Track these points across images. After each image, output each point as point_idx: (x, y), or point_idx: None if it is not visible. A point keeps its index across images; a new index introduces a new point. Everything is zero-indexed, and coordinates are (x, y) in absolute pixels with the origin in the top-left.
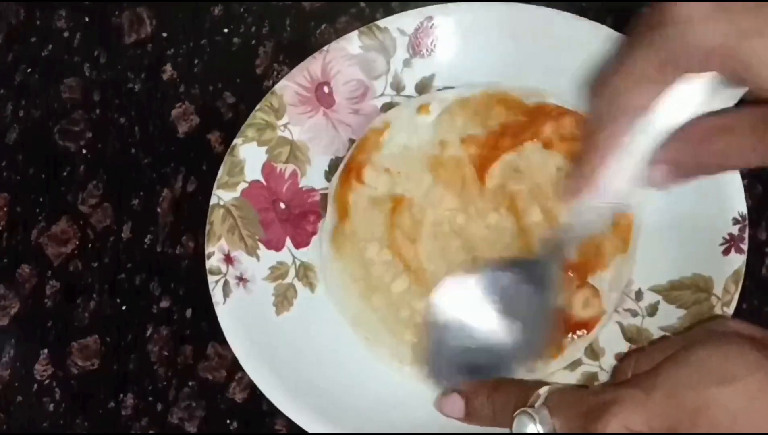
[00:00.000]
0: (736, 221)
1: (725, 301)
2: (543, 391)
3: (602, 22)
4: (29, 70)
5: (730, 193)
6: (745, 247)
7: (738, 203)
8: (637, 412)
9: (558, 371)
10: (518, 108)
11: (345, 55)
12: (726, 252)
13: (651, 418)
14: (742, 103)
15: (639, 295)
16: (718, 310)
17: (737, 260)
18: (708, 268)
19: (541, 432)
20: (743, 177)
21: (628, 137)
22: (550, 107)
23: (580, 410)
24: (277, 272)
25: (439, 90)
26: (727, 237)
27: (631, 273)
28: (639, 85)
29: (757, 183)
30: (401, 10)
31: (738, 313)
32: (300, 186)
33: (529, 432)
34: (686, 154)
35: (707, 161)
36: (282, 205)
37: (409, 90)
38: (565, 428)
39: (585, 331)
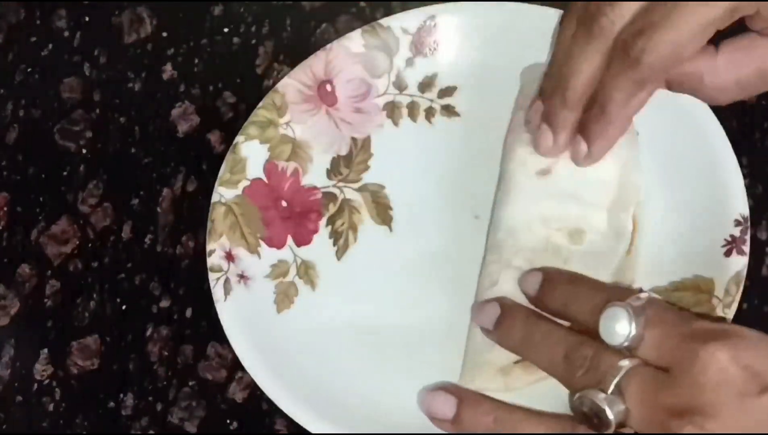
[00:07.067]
0: (737, 223)
1: (726, 302)
2: (644, 295)
3: None
4: (29, 70)
5: (732, 195)
6: (746, 248)
7: (740, 205)
8: (751, 349)
9: None
10: None
11: (348, 54)
12: (727, 253)
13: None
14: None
15: None
16: (719, 312)
17: (739, 262)
18: (709, 270)
19: (633, 333)
20: (743, 177)
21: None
22: None
23: (684, 330)
24: (278, 270)
25: (441, 89)
26: (729, 238)
27: (633, 274)
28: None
29: (757, 183)
30: (401, 10)
31: (738, 312)
32: (302, 184)
33: (618, 328)
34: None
35: (678, 79)
36: (284, 203)
37: (412, 89)
38: (660, 339)
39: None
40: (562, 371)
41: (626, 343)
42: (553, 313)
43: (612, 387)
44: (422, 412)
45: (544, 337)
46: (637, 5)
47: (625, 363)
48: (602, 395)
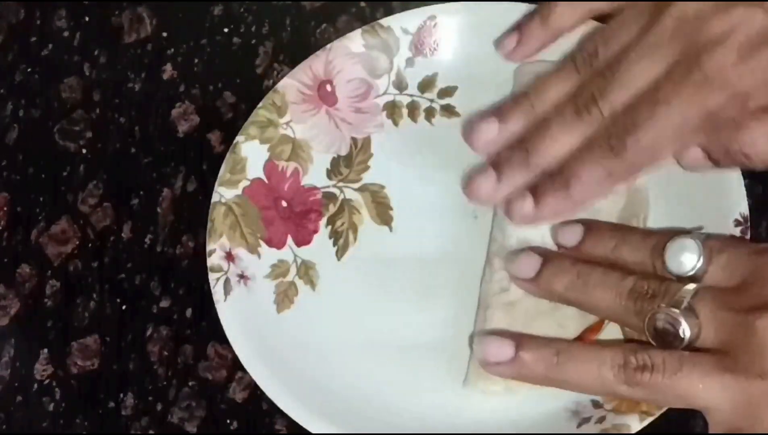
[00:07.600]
0: (738, 223)
1: None
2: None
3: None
4: (29, 70)
5: (732, 195)
6: None
7: (740, 205)
8: None
9: None
10: None
11: (348, 54)
12: None
13: None
14: None
15: None
16: None
17: None
18: None
19: (701, 262)
20: (743, 177)
21: None
22: None
23: (750, 248)
24: (278, 270)
25: (441, 89)
26: None
27: None
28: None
29: (757, 183)
30: (401, 10)
31: None
32: (302, 184)
33: (687, 257)
34: (718, 141)
35: (735, 150)
36: (284, 203)
37: (412, 89)
38: (728, 261)
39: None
40: (624, 307)
41: (692, 273)
42: (596, 261)
43: (685, 304)
44: (478, 360)
45: (602, 279)
46: (627, 98)
47: (694, 286)
48: (676, 310)
